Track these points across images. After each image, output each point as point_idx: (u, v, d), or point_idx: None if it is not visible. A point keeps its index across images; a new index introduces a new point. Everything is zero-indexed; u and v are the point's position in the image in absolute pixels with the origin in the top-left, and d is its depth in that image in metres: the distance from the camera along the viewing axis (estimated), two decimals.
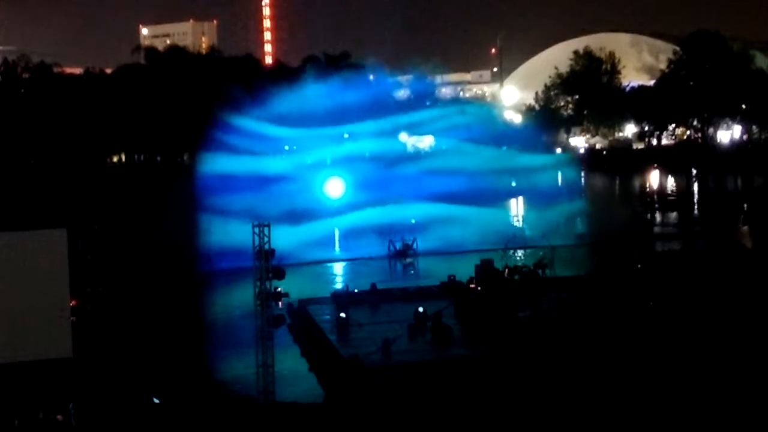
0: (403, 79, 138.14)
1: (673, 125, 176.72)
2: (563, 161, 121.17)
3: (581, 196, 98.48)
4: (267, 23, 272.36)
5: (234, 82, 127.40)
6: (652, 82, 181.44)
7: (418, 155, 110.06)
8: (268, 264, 35.17)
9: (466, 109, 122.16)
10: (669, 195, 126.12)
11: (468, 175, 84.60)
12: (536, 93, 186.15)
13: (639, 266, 53.36)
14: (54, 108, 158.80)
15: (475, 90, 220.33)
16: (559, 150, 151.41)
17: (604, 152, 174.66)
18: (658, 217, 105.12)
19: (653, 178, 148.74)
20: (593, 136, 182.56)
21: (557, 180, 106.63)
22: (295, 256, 60.31)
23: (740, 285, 48.96)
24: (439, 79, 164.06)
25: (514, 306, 47.69)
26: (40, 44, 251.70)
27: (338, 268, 72.80)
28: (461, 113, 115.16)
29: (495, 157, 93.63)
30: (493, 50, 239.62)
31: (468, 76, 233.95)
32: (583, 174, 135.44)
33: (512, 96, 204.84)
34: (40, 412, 31.51)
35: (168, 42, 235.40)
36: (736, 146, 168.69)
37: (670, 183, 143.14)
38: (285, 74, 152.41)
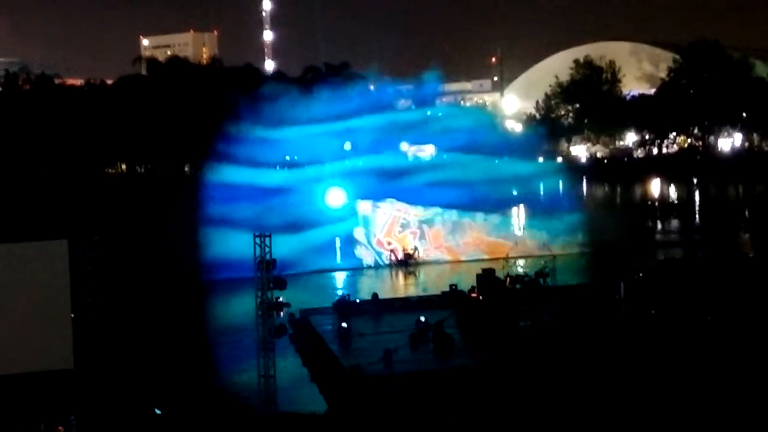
0: (404, 88, 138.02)
1: (674, 134, 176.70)
2: (557, 169, 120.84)
3: (581, 205, 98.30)
4: (267, 33, 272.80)
5: (235, 92, 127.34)
6: (652, 91, 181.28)
7: (418, 165, 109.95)
8: (269, 274, 35.10)
9: (467, 117, 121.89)
10: (670, 203, 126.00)
11: (468, 185, 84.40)
12: (537, 102, 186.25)
13: (640, 275, 53.29)
14: (55, 119, 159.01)
15: (476, 99, 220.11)
16: (560, 159, 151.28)
17: (605, 161, 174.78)
18: (659, 225, 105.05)
19: (654, 187, 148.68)
20: (594, 144, 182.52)
21: (558, 188, 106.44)
22: (295, 266, 60.28)
23: (742, 293, 48.88)
24: (439, 88, 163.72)
25: (516, 315, 47.70)
26: (41, 56, 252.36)
27: (339, 277, 72.73)
28: (462, 122, 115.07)
29: (495, 166, 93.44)
30: (494, 59, 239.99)
31: (468, 86, 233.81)
32: (584, 183, 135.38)
33: (513, 105, 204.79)
34: (41, 424, 31.48)
35: (169, 53, 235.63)
36: (736, 154, 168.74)
37: (672, 191, 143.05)
38: (285, 84, 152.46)
